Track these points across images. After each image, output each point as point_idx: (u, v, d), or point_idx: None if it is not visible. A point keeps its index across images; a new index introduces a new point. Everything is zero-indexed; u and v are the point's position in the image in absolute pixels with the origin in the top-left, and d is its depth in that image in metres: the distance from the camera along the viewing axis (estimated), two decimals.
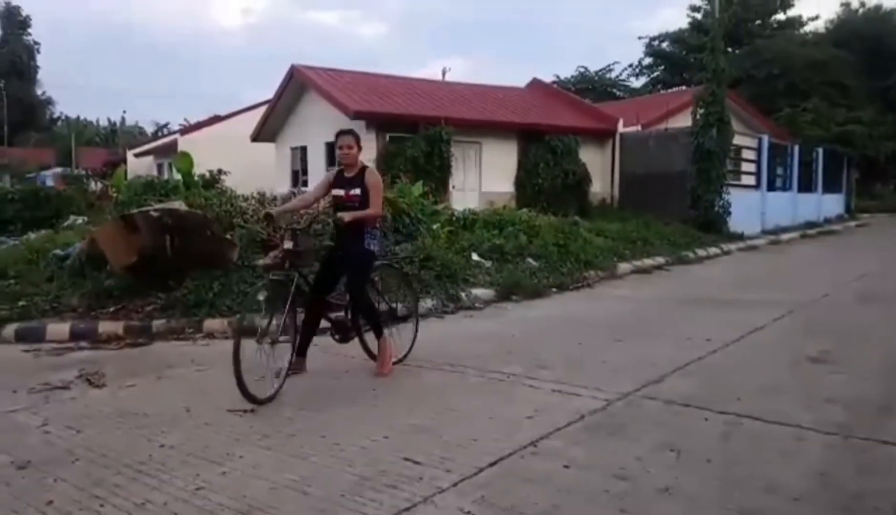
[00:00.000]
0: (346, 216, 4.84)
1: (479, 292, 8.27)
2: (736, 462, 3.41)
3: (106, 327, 6.52)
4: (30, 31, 56.13)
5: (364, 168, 5.08)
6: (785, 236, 17.84)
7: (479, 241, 10.02)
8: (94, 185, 14.85)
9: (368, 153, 15.65)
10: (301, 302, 4.87)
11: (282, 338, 4.60)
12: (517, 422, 3.99)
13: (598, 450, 3.59)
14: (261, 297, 4.57)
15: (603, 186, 19.54)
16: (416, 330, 5.59)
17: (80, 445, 3.68)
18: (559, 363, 5.37)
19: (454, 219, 11.07)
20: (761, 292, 9.18)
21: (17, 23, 54.97)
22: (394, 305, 5.52)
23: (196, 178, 12.52)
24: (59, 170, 30.34)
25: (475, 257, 9.46)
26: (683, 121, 18.12)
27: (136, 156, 30.59)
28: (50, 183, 17.44)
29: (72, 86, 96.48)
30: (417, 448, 3.58)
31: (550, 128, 18.57)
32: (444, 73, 31.11)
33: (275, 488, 3.12)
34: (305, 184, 18.55)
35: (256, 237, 7.88)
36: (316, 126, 18.65)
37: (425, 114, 16.91)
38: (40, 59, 56.87)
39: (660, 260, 12.01)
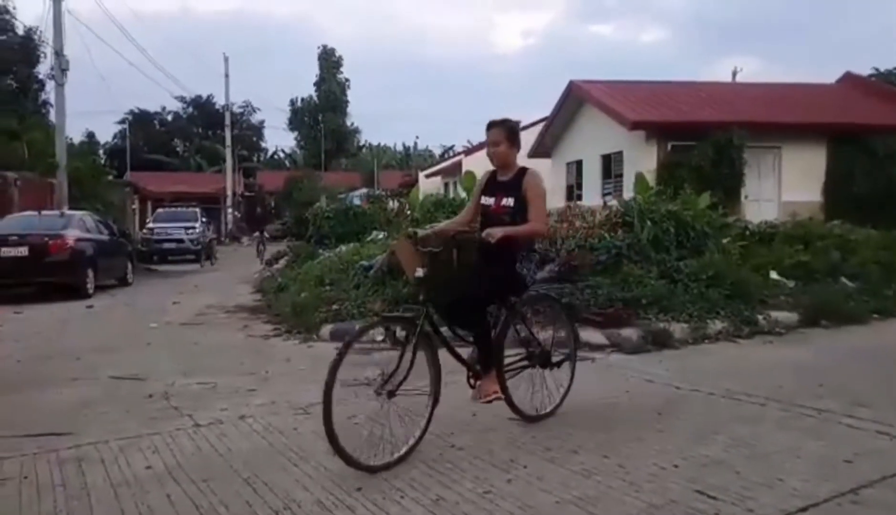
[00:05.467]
0: (497, 232, 3.66)
1: (778, 315, 7.38)
2: None
3: None
4: (342, 69, 62.92)
5: (523, 170, 4.03)
6: None
7: (780, 258, 9.00)
8: (392, 204, 16.42)
9: (648, 163, 15.12)
10: (440, 342, 3.93)
11: (412, 389, 3.69)
12: (832, 465, 3.44)
13: None
14: (379, 337, 3.97)
15: None
16: (572, 379, 4.47)
17: None
18: (885, 401, 4.54)
19: (748, 232, 10.15)
20: None
21: (332, 63, 62.17)
22: (547, 348, 4.34)
23: None
24: (363, 190, 34.52)
25: (774, 275, 8.53)
26: None
27: (427, 176, 33.73)
28: (357, 202, 19.86)
29: (374, 116, 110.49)
30: (711, 481, 3.25)
31: (869, 128, 16.15)
32: (734, 75, 28.89)
33: (560, 503, 3.06)
34: (580, 197, 18.53)
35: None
36: (592, 139, 18.57)
37: (712, 120, 15.83)
38: (350, 94, 63.34)
39: None
